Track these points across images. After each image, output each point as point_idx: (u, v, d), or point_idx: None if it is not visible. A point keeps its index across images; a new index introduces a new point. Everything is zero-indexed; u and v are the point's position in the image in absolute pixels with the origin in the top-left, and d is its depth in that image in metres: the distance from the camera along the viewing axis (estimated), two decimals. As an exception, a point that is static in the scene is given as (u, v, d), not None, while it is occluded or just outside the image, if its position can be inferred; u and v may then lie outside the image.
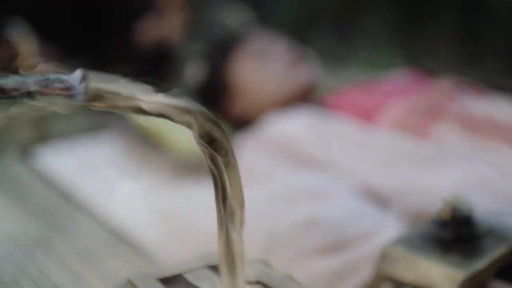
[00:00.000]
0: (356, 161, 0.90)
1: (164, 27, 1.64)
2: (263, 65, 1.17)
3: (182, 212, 0.88)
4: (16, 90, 0.31)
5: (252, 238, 0.72)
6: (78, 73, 0.32)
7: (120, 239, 0.85)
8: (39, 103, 0.32)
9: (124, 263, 0.77)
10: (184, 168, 1.06)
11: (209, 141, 0.37)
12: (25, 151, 1.20)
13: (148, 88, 0.34)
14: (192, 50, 1.53)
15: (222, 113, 1.16)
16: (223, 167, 0.39)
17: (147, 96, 0.33)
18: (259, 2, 2.37)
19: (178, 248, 0.81)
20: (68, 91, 0.32)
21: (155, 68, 1.63)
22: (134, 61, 1.61)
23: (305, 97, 1.14)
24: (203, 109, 0.36)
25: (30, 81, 0.31)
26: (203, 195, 0.89)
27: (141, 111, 0.33)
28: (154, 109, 0.34)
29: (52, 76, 0.32)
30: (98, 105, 0.33)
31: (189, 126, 0.36)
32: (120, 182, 1.06)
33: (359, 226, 0.77)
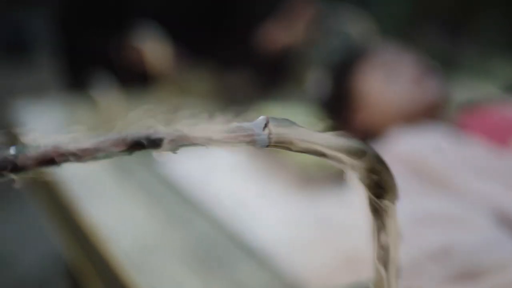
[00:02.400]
0: (490, 186, 0.86)
1: (288, 33, 1.65)
2: (389, 78, 1.15)
3: (317, 225, 0.89)
4: (200, 138, 0.32)
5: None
6: (261, 119, 0.33)
7: (249, 249, 0.86)
8: (222, 148, 0.33)
9: (255, 274, 0.79)
10: (308, 180, 1.07)
11: (375, 184, 0.38)
12: (152, 157, 1.23)
13: (326, 132, 0.34)
14: (315, 57, 1.53)
15: (344, 125, 1.15)
16: (385, 210, 0.39)
17: (326, 141, 0.34)
18: (365, 2, 2.34)
19: (313, 261, 0.82)
20: (251, 137, 0.32)
21: (276, 73, 1.64)
22: (257, 65, 1.63)
23: (432, 114, 1.11)
24: (375, 151, 0.36)
25: (212, 130, 0.32)
26: (340, 212, 0.89)
27: (321, 155, 0.34)
28: (332, 155, 0.34)
29: (234, 124, 0.33)
30: (282, 149, 0.33)
31: (358, 168, 0.37)
32: (247, 191, 1.08)
33: (496, 255, 0.74)
